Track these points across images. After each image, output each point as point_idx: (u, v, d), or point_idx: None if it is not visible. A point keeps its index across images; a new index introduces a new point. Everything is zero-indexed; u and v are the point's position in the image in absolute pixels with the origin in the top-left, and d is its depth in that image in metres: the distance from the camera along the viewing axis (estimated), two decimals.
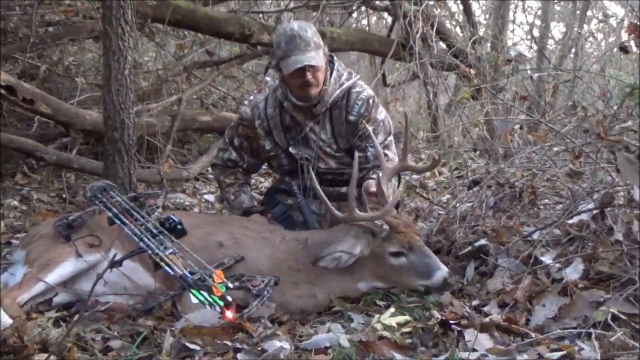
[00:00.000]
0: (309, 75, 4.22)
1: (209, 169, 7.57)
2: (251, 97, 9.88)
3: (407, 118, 4.38)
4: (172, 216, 3.47)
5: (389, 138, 4.58)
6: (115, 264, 3.20)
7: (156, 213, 3.65)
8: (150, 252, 3.26)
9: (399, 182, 4.81)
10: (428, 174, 6.93)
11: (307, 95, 4.33)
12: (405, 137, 3.96)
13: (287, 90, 4.43)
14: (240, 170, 4.78)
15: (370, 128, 4.36)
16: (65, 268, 3.59)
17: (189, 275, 3.11)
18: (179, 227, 3.43)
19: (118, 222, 3.50)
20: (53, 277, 3.54)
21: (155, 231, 3.37)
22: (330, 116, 4.49)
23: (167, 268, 3.18)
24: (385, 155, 4.32)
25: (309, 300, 3.65)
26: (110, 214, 3.56)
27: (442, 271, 3.61)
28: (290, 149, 4.55)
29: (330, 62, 4.49)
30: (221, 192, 4.96)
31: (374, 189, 3.97)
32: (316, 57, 4.21)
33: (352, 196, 3.61)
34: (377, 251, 3.68)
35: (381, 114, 4.54)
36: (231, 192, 4.72)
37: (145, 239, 3.32)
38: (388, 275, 3.70)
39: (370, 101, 4.48)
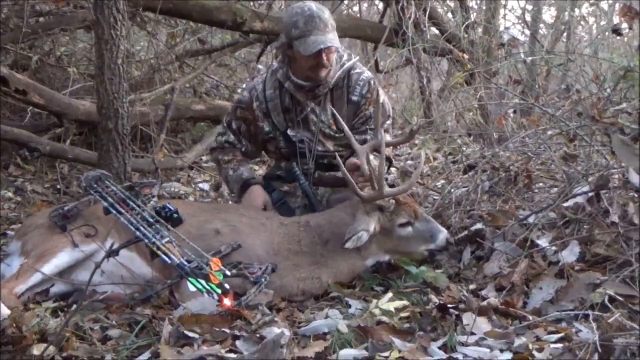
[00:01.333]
0: (324, 57, 4.21)
1: (204, 157, 7.58)
2: (244, 85, 9.91)
3: (379, 94, 4.47)
4: (168, 205, 3.47)
5: (388, 122, 4.58)
6: (112, 253, 3.19)
7: (152, 202, 3.65)
8: (147, 241, 3.26)
9: (390, 164, 4.80)
10: (422, 159, 6.92)
11: (317, 76, 4.32)
12: (377, 114, 4.02)
13: (289, 71, 4.41)
14: (239, 152, 4.73)
15: (371, 109, 4.40)
16: (62, 258, 3.58)
17: (186, 263, 3.12)
18: (175, 215, 3.43)
19: (114, 211, 3.49)
20: (49, 267, 3.53)
21: (151, 220, 3.37)
22: (332, 97, 4.49)
23: (164, 256, 3.18)
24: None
25: (312, 283, 3.67)
26: (105, 204, 3.55)
27: (444, 233, 3.85)
28: (289, 132, 4.53)
29: None
30: (219, 171, 4.88)
31: (356, 161, 3.98)
32: (335, 38, 4.20)
33: (382, 174, 3.68)
34: (387, 225, 3.77)
35: (381, 96, 4.53)
36: (230, 168, 4.66)
37: (142, 228, 3.32)
38: (396, 246, 3.83)
39: (372, 82, 4.50)
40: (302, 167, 4.51)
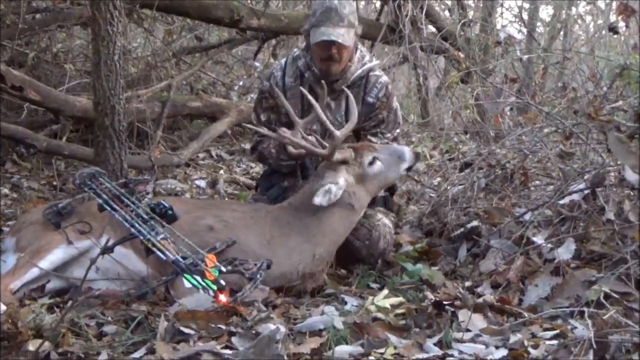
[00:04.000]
0: (334, 50, 4.19)
1: (201, 154, 7.58)
2: (241, 82, 9.90)
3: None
4: (162, 202, 3.47)
5: (397, 130, 4.56)
6: (106, 250, 3.19)
7: (146, 199, 3.65)
8: (142, 237, 3.26)
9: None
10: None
11: (328, 70, 4.30)
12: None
13: (311, 61, 4.40)
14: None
15: (384, 113, 4.43)
16: (57, 254, 3.57)
17: (181, 260, 3.12)
18: (170, 212, 3.43)
19: (108, 208, 3.49)
20: (45, 263, 3.52)
21: (146, 217, 3.37)
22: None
23: (159, 253, 3.18)
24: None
25: (311, 262, 3.70)
26: (100, 201, 3.55)
27: (406, 148, 4.19)
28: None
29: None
30: (267, 164, 4.72)
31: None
32: (345, 35, 4.17)
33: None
34: (358, 171, 3.86)
35: (395, 102, 4.53)
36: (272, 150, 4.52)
37: (137, 225, 3.32)
38: (377, 184, 3.97)
39: (389, 87, 4.49)
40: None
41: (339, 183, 3.71)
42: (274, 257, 3.48)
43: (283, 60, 4.66)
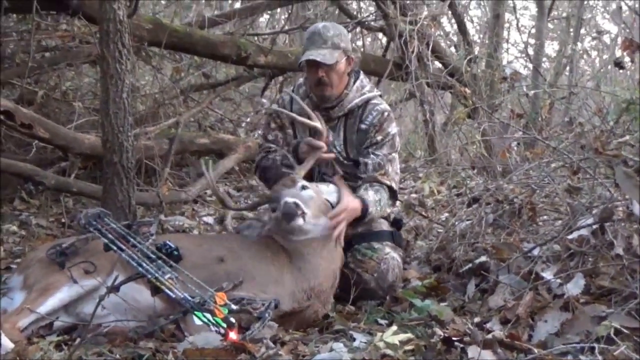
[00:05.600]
0: (321, 73, 4.26)
1: (208, 191, 7.58)
2: (248, 119, 9.94)
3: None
4: (168, 242, 3.47)
5: (394, 154, 4.54)
6: (112, 289, 3.20)
7: (150, 240, 3.65)
8: (149, 276, 3.26)
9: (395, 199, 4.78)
10: (426, 192, 6.92)
11: (322, 94, 4.37)
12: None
13: (309, 88, 4.48)
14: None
15: (379, 137, 4.42)
16: (65, 292, 3.57)
17: (189, 298, 3.11)
18: (176, 252, 3.43)
19: (114, 248, 3.49)
20: (53, 301, 3.52)
21: (153, 256, 3.37)
22: (345, 124, 4.51)
23: (168, 291, 3.18)
24: (383, 168, 4.39)
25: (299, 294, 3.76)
26: (106, 240, 3.55)
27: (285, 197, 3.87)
28: None
29: (357, 72, 4.57)
30: (266, 180, 4.67)
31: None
32: (328, 55, 4.24)
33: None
34: None
35: (393, 129, 4.54)
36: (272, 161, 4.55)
37: (144, 264, 3.32)
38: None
39: (385, 114, 4.49)
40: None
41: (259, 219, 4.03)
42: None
43: (291, 88, 4.76)
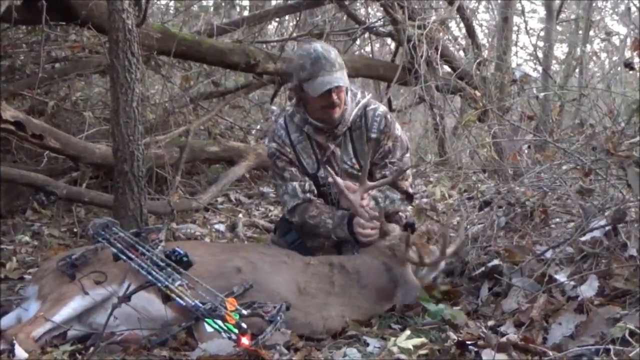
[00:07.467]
0: (334, 96, 4.22)
1: (219, 199, 7.57)
2: (258, 126, 9.96)
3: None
4: (177, 249, 3.46)
5: (407, 155, 4.58)
6: (124, 299, 3.20)
7: (159, 247, 3.65)
8: (160, 284, 3.26)
9: (410, 201, 4.79)
10: (438, 196, 6.92)
11: (331, 117, 4.33)
12: (365, 159, 4.23)
13: (306, 114, 4.42)
14: (313, 194, 4.54)
15: (390, 144, 4.44)
16: (79, 302, 3.58)
17: (200, 305, 3.11)
18: (185, 259, 3.43)
19: (124, 257, 3.49)
20: (67, 311, 3.52)
21: (162, 264, 3.37)
22: (351, 136, 4.50)
23: (178, 299, 3.18)
24: (403, 173, 4.44)
25: (338, 321, 3.70)
26: (115, 250, 3.55)
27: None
28: (320, 173, 4.51)
29: None
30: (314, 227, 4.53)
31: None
32: (343, 77, 4.22)
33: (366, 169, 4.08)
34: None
35: (398, 129, 4.56)
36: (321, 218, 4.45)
37: (154, 272, 3.32)
38: None
39: (388, 117, 4.51)
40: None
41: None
42: (303, 305, 3.53)
43: (281, 120, 4.64)
